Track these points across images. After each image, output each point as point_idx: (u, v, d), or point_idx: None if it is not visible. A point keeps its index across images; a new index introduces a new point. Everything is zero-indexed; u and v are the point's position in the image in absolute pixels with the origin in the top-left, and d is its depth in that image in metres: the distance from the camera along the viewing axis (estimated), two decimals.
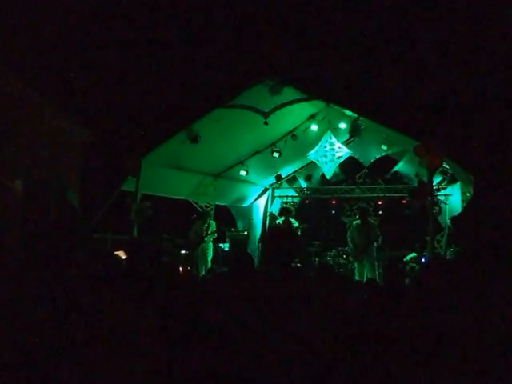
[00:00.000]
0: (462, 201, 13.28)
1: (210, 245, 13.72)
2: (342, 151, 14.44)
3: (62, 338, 4.08)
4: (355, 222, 13.27)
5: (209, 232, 13.50)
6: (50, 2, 13.87)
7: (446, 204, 13.95)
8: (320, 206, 16.10)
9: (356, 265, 12.89)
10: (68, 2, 14.41)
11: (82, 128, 15.29)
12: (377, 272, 12.77)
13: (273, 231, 4.48)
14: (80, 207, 12.69)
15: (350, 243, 13.08)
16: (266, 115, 11.97)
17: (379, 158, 14.88)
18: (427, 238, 11.26)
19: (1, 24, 12.34)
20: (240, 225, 16.23)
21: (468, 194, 12.38)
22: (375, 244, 12.95)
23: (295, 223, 13.71)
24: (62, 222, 11.32)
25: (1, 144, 13.07)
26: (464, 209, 12.60)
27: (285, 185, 16.82)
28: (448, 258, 11.92)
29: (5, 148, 13.10)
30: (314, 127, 13.22)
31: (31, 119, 13.74)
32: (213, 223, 13.84)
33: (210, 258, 13.57)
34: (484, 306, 4.35)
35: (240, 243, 14.71)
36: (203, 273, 12.73)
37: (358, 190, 15.79)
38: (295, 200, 16.65)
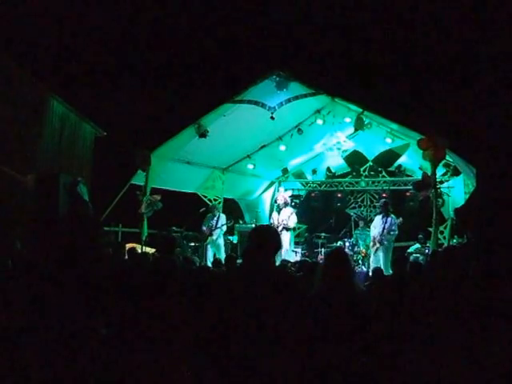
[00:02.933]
0: (465, 193, 13.38)
1: (221, 237, 13.94)
2: (346, 145, 14.64)
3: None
4: (377, 216, 13.55)
5: (218, 226, 13.76)
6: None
7: (448, 196, 14.06)
8: (325, 198, 16.26)
9: (372, 255, 13.08)
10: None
11: (92, 123, 15.53)
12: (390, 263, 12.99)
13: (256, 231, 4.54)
14: (91, 201, 12.89)
15: (370, 234, 13.35)
16: (272, 110, 12.12)
17: (383, 151, 15.08)
18: (431, 229, 11.46)
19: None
20: (248, 217, 16.44)
21: (471, 186, 12.51)
22: (392, 237, 13.12)
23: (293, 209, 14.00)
24: (74, 216, 11.51)
25: (13, 139, 13.33)
26: (467, 200, 12.74)
27: (291, 178, 17.01)
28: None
29: (17, 143, 13.35)
30: (320, 121, 13.36)
31: (43, 115, 13.98)
32: (223, 216, 14.13)
33: (222, 250, 13.81)
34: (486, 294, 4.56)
35: (247, 235, 14.86)
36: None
37: (362, 183, 15.99)
38: (301, 193, 16.84)
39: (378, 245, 12.77)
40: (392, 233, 12.93)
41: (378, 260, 12.78)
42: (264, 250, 4.07)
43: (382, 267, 11.96)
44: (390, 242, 13.00)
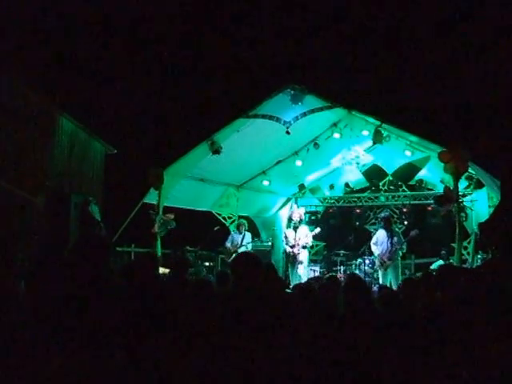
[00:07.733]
0: (489, 206, 13.04)
1: None
2: (365, 159, 14.31)
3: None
4: (378, 231, 13.07)
5: (243, 244, 13.56)
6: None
7: (472, 210, 13.72)
8: (344, 214, 15.87)
9: (380, 273, 12.65)
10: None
11: (103, 141, 15.35)
12: (400, 279, 12.59)
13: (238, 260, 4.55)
14: (102, 221, 12.68)
15: (374, 253, 12.85)
16: (287, 124, 11.87)
17: (403, 165, 14.68)
18: (454, 244, 11.09)
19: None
20: (264, 235, 16.12)
21: (495, 200, 12.16)
22: (400, 252, 12.78)
23: (311, 229, 13.63)
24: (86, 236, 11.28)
25: (22, 159, 13.12)
26: (491, 214, 12.37)
27: (308, 194, 16.66)
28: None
29: (26, 163, 13.14)
30: (337, 135, 13.07)
31: (52, 133, 13.80)
32: (248, 234, 14.00)
33: None
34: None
35: (264, 254, 14.54)
36: None
37: (382, 198, 15.59)
38: (319, 209, 16.48)
39: (388, 262, 12.29)
40: (402, 247, 12.57)
41: (387, 280, 12.29)
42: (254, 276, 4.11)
43: (393, 285, 11.56)
44: (399, 256, 12.66)
